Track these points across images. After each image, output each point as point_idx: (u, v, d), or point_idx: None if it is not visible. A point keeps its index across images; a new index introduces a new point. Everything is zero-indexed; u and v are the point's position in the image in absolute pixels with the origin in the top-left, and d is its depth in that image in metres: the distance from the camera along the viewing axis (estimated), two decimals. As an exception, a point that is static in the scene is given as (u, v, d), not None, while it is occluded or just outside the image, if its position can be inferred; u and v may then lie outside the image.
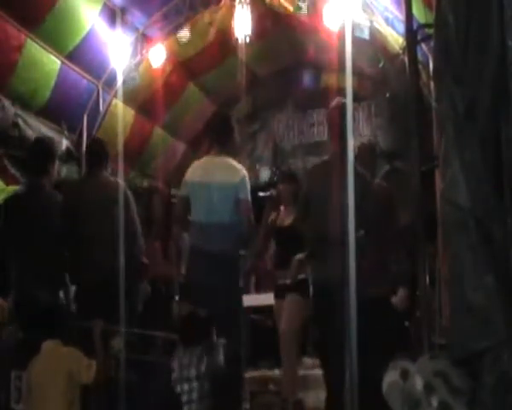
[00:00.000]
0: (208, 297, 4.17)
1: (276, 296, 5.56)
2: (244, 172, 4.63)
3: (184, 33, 7.38)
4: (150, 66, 7.53)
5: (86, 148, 5.65)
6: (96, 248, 4.69)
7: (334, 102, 4.47)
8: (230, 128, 4.83)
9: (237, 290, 4.67)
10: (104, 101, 7.48)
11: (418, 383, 2.15)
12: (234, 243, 4.55)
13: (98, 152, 5.09)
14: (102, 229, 4.68)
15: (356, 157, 4.17)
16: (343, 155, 3.75)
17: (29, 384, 4.00)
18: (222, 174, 4.55)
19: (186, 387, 3.86)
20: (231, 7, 7.07)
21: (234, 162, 4.66)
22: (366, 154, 5.05)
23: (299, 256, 5.51)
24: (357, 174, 4.03)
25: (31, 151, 5.22)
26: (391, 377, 2.30)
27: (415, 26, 3.55)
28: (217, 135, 4.80)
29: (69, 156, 7.12)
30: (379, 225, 4.28)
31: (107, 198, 4.78)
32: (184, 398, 3.86)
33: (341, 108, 4.18)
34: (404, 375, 2.25)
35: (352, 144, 4.11)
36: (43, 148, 5.17)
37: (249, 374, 5.57)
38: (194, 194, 4.62)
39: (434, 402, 2.09)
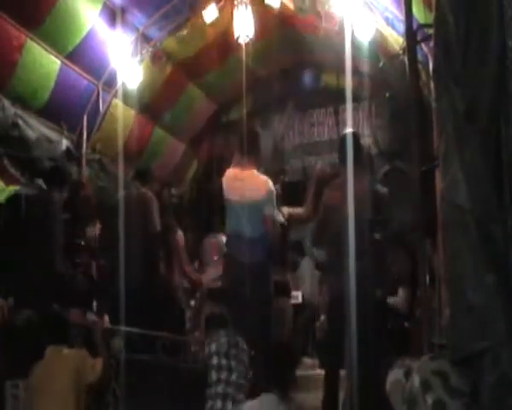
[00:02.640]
0: (239, 302, 4.56)
1: None
2: (269, 185, 4.88)
3: (184, 33, 7.38)
4: (150, 66, 7.53)
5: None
6: None
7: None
8: (256, 140, 5.12)
9: (266, 297, 4.85)
10: (104, 101, 7.47)
11: (416, 380, 2.16)
12: (263, 254, 4.82)
13: None
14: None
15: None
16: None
17: (33, 389, 4.01)
18: (249, 190, 4.82)
19: (224, 362, 3.87)
20: (231, 7, 7.06)
21: (261, 176, 4.93)
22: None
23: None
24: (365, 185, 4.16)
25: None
26: (395, 376, 2.31)
27: (415, 26, 3.55)
28: (243, 148, 5.03)
29: (69, 156, 7.12)
30: (379, 229, 4.36)
31: None
32: (223, 375, 3.86)
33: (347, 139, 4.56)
34: (408, 374, 2.25)
35: (351, 151, 4.15)
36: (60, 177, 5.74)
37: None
38: (227, 209, 4.95)
39: (429, 400, 2.10)
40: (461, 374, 2.09)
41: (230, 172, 5.08)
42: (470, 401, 2.04)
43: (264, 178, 4.93)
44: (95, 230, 6.14)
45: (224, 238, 6.42)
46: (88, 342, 4.28)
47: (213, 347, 3.94)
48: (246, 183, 4.86)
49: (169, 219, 6.43)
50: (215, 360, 3.89)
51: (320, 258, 6.73)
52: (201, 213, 8.86)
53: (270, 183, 4.90)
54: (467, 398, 2.05)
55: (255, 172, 4.93)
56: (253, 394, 3.58)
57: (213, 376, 3.86)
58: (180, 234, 6.84)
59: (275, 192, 4.91)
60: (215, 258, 6.84)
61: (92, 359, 3.98)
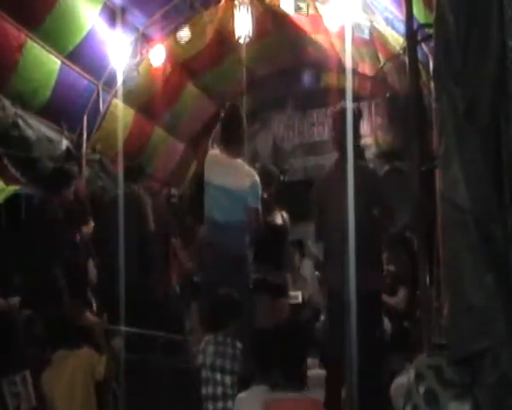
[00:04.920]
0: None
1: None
2: (255, 177, 4.75)
3: (184, 33, 7.39)
4: (150, 66, 7.53)
5: None
6: None
7: (338, 106, 4.50)
8: (240, 123, 4.93)
9: (241, 286, 4.67)
10: (104, 101, 7.48)
11: (411, 374, 2.18)
12: (240, 242, 4.69)
13: None
14: None
15: None
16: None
17: (48, 395, 4.01)
18: (234, 178, 4.68)
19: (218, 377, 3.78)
20: (231, 7, 7.07)
21: (246, 166, 4.79)
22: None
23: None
24: (360, 168, 4.06)
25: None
26: (398, 382, 2.32)
27: (415, 26, 3.55)
28: (228, 132, 4.88)
29: (69, 156, 7.12)
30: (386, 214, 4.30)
31: None
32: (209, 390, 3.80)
33: (344, 113, 4.24)
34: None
35: (351, 146, 4.13)
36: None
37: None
38: (207, 193, 4.79)
39: (421, 389, 2.12)
40: (456, 370, 2.11)
41: (213, 157, 4.94)
42: (462, 392, 2.05)
43: (249, 168, 4.82)
44: (89, 229, 6.13)
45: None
46: (88, 342, 4.27)
47: (200, 358, 3.87)
48: (231, 170, 4.74)
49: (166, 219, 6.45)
50: (203, 374, 3.84)
51: (320, 257, 6.70)
52: (201, 213, 8.85)
53: (256, 175, 4.79)
54: (459, 389, 2.06)
55: (240, 161, 4.81)
56: (244, 386, 3.53)
57: (203, 391, 3.81)
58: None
59: (259, 185, 4.76)
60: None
61: (98, 356, 4.03)
